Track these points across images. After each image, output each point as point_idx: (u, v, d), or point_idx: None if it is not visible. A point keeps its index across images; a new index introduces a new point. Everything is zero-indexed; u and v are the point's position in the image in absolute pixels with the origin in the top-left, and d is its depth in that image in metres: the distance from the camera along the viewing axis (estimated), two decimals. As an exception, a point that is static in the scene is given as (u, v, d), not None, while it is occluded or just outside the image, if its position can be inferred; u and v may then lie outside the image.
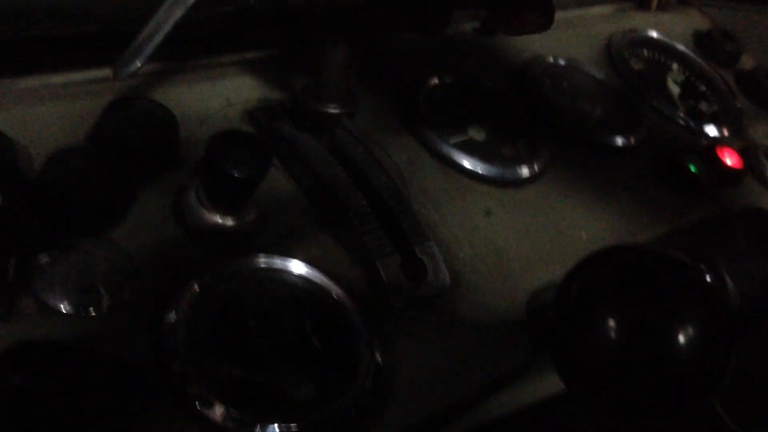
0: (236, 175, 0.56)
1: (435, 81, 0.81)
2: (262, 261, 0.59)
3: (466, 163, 0.74)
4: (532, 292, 0.68)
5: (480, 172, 0.75)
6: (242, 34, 0.73)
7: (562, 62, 0.93)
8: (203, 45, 0.72)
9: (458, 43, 0.91)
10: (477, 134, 0.79)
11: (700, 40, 1.09)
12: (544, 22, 0.57)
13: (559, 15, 1.02)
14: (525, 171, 0.77)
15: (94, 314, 0.52)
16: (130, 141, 0.60)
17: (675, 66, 1.04)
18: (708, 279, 0.44)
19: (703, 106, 1.01)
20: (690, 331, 0.41)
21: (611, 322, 0.42)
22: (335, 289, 0.60)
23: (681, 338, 0.41)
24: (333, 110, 0.63)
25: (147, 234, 0.58)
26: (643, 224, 0.80)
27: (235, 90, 0.71)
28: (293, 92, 0.69)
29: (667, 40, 1.05)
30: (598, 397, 0.45)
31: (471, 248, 0.69)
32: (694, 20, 1.13)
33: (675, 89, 1.01)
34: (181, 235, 0.59)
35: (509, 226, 0.72)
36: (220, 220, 0.59)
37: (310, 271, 0.60)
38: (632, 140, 0.87)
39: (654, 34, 1.05)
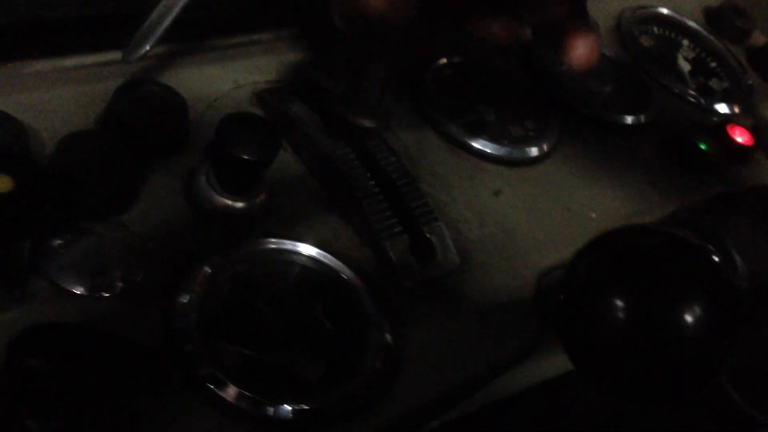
0: (245, 157, 0.56)
1: (443, 61, 0.81)
2: (272, 243, 0.59)
3: (475, 143, 0.74)
4: (541, 271, 0.68)
5: (489, 151, 0.75)
6: (251, 15, 0.73)
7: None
8: (212, 26, 0.72)
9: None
10: (485, 114, 0.79)
11: (711, 16, 1.08)
12: (509, 36, 0.57)
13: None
14: (534, 150, 0.77)
15: (106, 296, 0.52)
16: (139, 124, 0.60)
17: (685, 43, 1.03)
18: (715, 259, 0.44)
19: (714, 83, 1.00)
20: (697, 313, 0.41)
21: (618, 304, 0.42)
22: (345, 270, 0.60)
23: (688, 320, 0.41)
24: (368, 124, 0.63)
25: (158, 217, 0.58)
26: (653, 203, 0.80)
27: (243, 71, 0.71)
28: (325, 93, 0.69)
29: (677, 16, 1.05)
30: (607, 379, 0.45)
31: (480, 228, 0.69)
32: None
33: (685, 66, 1.00)
34: (192, 218, 0.59)
35: (518, 205, 0.72)
36: (229, 203, 0.60)
37: (319, 252, 0.60)
38: (642, 118, 0.87)
39: (664, 10, 1.04)
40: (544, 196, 0.75)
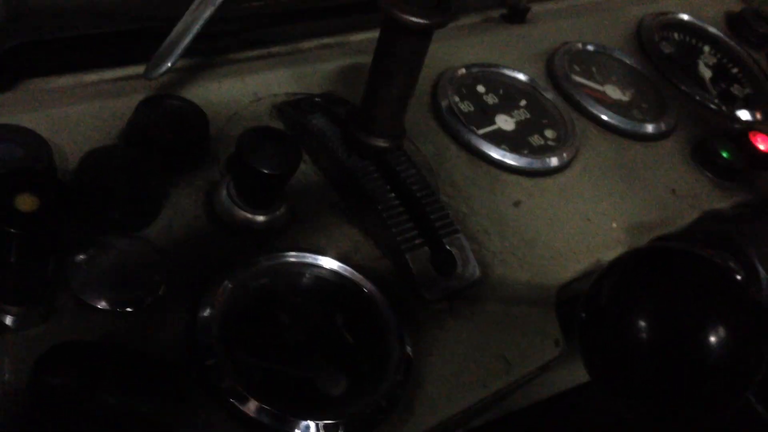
0: (266, 171, 0.56)
1: (462, 71, 0.81)
2: (293, 256, 0.60)
3: (495, 153, 0.74)
4: (562, 283, 0.68)
5: (508, 162, 0.74)
6: (270, 28, 0.74)
7: (590, 48, 0.92)
8: (232, 40, 0.73)
9: (485, 30, 0.90)
10: (505, 124, 0.79)
11: (732, 22, 1.08)
12: None
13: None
14: (554, 160, 0.76)
15: (129, 311, 0.53)
16: (161, 139, 0.61)
17: (706, 49, 1.03)
18: (738, 278, 0.43)
19: (736, 89, 0.99)
20: (720, 333, 0.41)
21: (642, 325, 0.42)
22: (365, 283, 0.60)
23: (712, 340, 0.40)
24: (381, 144, 0.63)
25: (180, 231, 0.59)
26: (675, 211, 0.79)
27: (263, 84, 0.71)
28: (342, 110, 0.69)
29: (698, 22, 1.04)
30: (631, 398, 0.45)
31: (500, 239, 0.69)
32: (726, 1, 1.12)
33: (707, 73, 1.00)
34: (214, 232, 0.60)
35: (538, 216, 0.72)
36: (251, 216, 0.60)
37: (340, 265, 0.61)
38: (663, 126, 0.86)
39: (685, 16, 1.04)
40: (564, 206, 0.74)
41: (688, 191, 0.82)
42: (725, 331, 0.40)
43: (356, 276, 0.61)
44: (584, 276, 0.69)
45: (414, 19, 0.56)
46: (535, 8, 0.94)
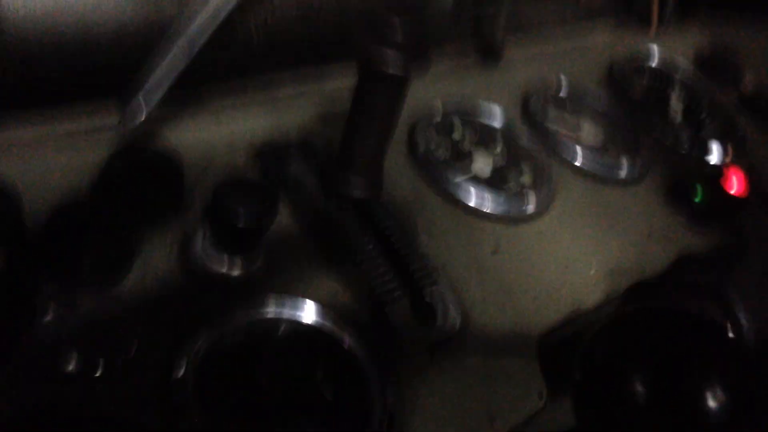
0: (242, 225, 0.55)
1: (438, 116, 0.81)
2: (271, 310, 0.58)
3: (472, 200, 0.74)
4: (543, 331, 0.67)
5: (486, 208, 0.74)
6: (247, 76, 0.73)
7: (564, 92, 0.93)
8: (208, 88, 0.72)
9: (461, 74, 0.90)
10: (481, 170, 0.78)
11: (702, 61, 1.09)
12: None
13: (562, 45, 1.02)
14: (531, 206, 0.76)
15: (100, 374, 0.51)
16: (134, 190, 0.59)
17: (677, 90, 1.04)
18: (731, 335, 0.43)
19: (707, 130, 1.00)
20: (716, 392, 0.40)
21: (638, 387, 0.41)
22: (345, 336, 0.59)
23: (708, 400, 0.40)
24: (359, 194, 0.63)
25: (153, 285, 0.57)
26: (651, 255, 0.79)
27: (239, 131, 0.70)
28: (320, 159, 0.68)
29: (668, 64, 1.05)
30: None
31: (479, 287, 0.68)
32: (695, 39, 1.13)
33: (677, 115, 1.01)
34: (188, 285, 0.58)
35: (517, 263, 0.72)
36: (226, 268, 0.59)
37: (319, 317, 0.59)
38: (637, 170, 0.87)
39: (655, 59, 1.05)
40: (542, 252, 0.74)
41: (664, 234, 0.82)
42: (721, 391, 0.40)
43: (335, 328, 0.59)
44: (565, 323, 0.68)
45: (391, 69, 0.55)
46: (510, 52, 0.94)
